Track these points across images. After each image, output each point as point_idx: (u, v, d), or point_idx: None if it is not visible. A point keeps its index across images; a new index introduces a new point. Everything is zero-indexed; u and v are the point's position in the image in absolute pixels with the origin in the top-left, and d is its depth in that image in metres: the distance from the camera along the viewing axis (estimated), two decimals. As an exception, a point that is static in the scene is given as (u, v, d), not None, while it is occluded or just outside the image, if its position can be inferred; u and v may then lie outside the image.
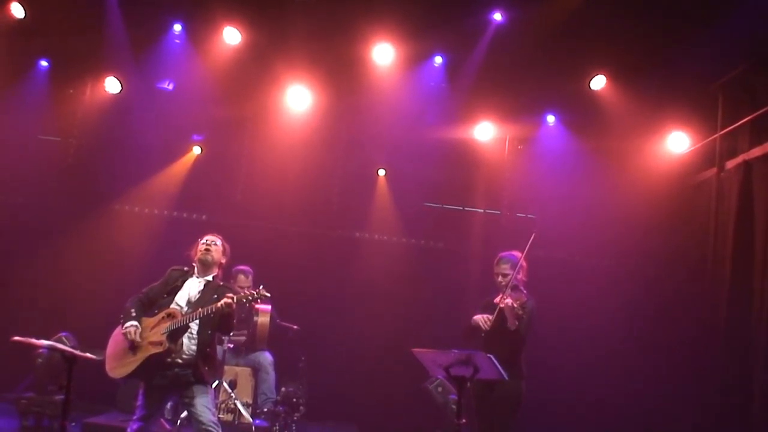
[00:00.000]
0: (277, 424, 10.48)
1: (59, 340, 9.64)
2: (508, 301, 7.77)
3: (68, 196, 12.61)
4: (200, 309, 7.19)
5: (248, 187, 13.19)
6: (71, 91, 12.91)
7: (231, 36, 11.72)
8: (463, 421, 7.09)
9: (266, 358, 10.84)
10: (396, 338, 11.45)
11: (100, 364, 7.43)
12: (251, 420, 10.24)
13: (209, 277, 7.63)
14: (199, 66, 12.16)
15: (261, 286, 7.27)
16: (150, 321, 7.34)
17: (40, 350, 9.94)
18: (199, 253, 7.66)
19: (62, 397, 6.56)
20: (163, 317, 7.30)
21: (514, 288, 7.96)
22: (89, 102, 12.87)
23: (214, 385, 8.41)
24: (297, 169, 12.98)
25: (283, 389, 10.94)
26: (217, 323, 7.33)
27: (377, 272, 12.88)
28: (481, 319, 7.86)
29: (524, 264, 8.19)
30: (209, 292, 7.47)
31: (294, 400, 10.83)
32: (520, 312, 7.75)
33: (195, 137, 13.14)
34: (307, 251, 12.83)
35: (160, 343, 7.14)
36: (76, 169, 12.90)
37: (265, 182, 12.99)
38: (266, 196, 12.88)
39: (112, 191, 12.86)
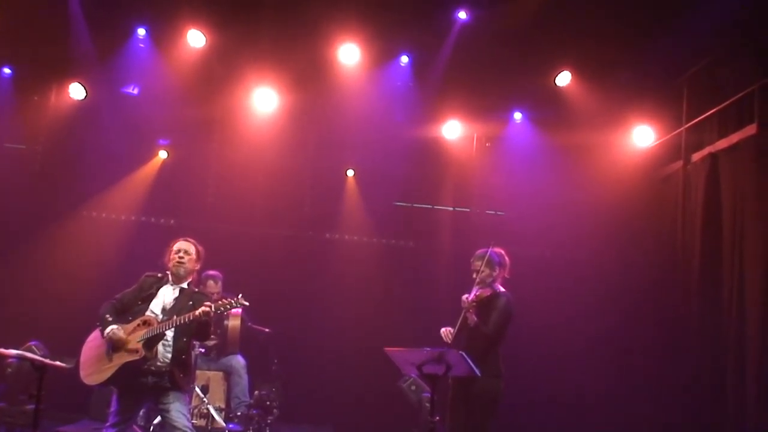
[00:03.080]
0: (251, 427, 10.45)
1: (29, 349, 9.60)
2: (465, 297, 7.75)
3: (35, 203, 12.52)
4: (176, 317, 7.15)
5: (217, 190, 13.17)
6: (36, 98, 12.84)
7: (195, 39, 11.67)
8: (437, 418, 7.10)
9: (239, 361, 10.79)
10: (368, 338, 11.44)
11: (72, 373, 7.38)
12: (224, 424, 10.19)
13: (184, 285, 7.58)
14: (165, 70, 12.10)
15: (240, 295, 7.21)
16: (126, 328, 7.25)
17: (10, 360, 9.90)
18: (172, 265, 7.59)
19: (33, 406, 6.52)
20: (138, 324, 7.23)
21: (482, 284, 7.93)
22: (54, 109, 12.79)
23: (187, 390, 8.34)
24: (266, 171, 12.97)
25: (256, 392, 10.90)
26: (193, 331, 7.32)
27: (348, 273, 12.88)
28: (444, 333, 7.78)
29: (506, 260, 8.15)
30: (184, 299, 7.41)
31: (268, 403, 10.79)
32: (467, 306, 7.67)
33: (161, 141, 13.08)
34: (277, 253, 12.80)
35: (136, 351, 7.09)
36: (42, 177, 12.84)
37: (234, 185, 12.97)
38: (235, 199, 12.85)
39: (80, 198, 12.80)
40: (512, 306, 7.88)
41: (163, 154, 13.11)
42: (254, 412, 10.57)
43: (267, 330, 11.21)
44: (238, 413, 10.54)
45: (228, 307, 7.17)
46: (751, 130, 9.49)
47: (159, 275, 7.65)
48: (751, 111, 9.56)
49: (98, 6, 11.42)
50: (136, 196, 12.94)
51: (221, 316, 10.70)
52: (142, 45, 12.00)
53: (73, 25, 11.49)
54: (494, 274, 7.98)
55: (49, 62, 12.19)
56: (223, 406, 10.59)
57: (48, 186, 12.71)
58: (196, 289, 7.67)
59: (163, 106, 12.46)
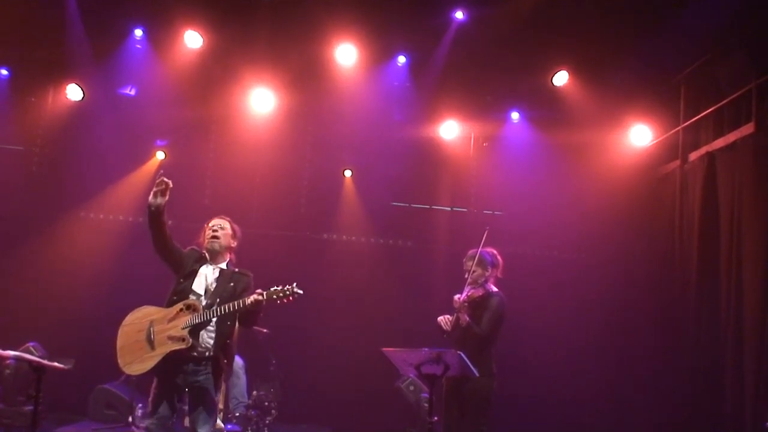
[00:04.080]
0: (249, 428, 10.46)
1: (27, 350, 9.62)
2: (457, 297, 7.74)
3: (33, 204, 12.52)
4: (224, 306, 6.81)
5: (215, 191, 13.14)
6: (33, 99, 12.83)
7: (192, 40, 11.66)
8: (435, 419, 7.09)
9: (237, 362, 10.79)
10: (366, 338, 11.43)
11: (69, 374, 7.36)
12: (223, 425, 10.19)
13: (223, 265, 7.23)
14: (162, 70, 12.10)
15: (294, 284, 6.83)
16: (168, 312, 6.93)
17: (8, 361, 9.89)
18: (206, 242, 7.26)
19: (31, 407, 6.52)
20: (181, 309, 6.88)
21: (474, 284, 7.92)
22: (51, 110, 12.78)
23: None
24: (263, 172, 12.98)
25: (254, 393, 10.92)
26: (240, 317, 7.00)
27: (346, 273, 12.87)
28: (443, 320, 7.78)
29: (499, 260, 8.13)
30: (224, 281, 7.08)
31: (266, 403, 10.80)
32: (459, 306, 7.68)
33: (159, 142, 13.07)
34: (275, 254, 12.75)
35: (182, 339, 6.74)
36: (39, 178, 12.84)
37: (231, 185, 12.94)
38: (233, 199, 12.80)
39: (77, 199, 12.76)
40: (505, 306, 7.85)
41: (160, 155, 13.08)
42: (253, 412, 10.58)
43: (265, 330, 11.21)
44: (237, 414, 10.55)
45: (281, 295, 6.77)
46: (748, 129, 9.50)
47: (202, 252, 7.28)
48: (749, 110, 9.57)
49: (95, 7, 11.42)
50: (134, 196, 12.87)
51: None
52: (139, 46, 12.02)
53: (70, 26, 11.49)
54: (486, 274, 7.95)
55: (47, 63, 12.20)
56: (221, 406, 10.58)
57: (45, 187, 12.70)
58: (236, 270, 7.29)
59: (161, 106, 12.46)
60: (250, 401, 10.74)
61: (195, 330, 6.81)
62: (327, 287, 12.69)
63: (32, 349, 10.25)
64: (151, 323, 6.93)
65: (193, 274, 7.11)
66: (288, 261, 12.77)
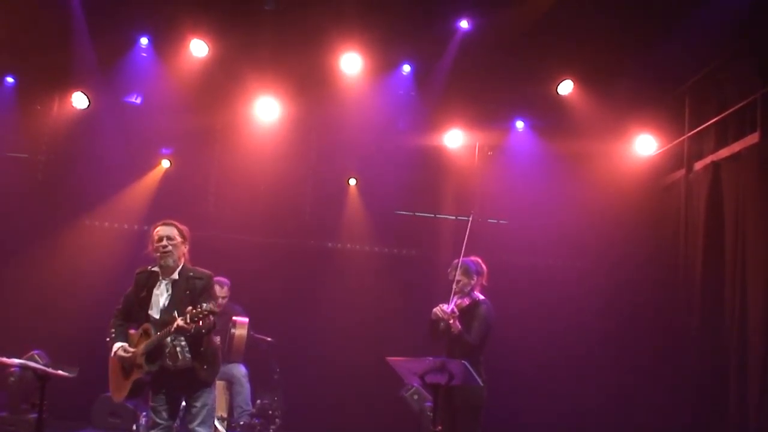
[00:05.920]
0: (253, 436, 10.45)
1: (31, 358, 9.65)
2: (445, 307, 7.74)
3: (38, 212, 12.52)
4: (162, 332, 6.81)
5: (219, 199, 13.16)
6: (38, 107, 12.87)
7: (198, 48, 11.68)
8: (439, 428, 7.08)
9: (240, 370, 10.79)
10: (370, 346, 11.42)
11: (73, 382, 7.36)
12: (227, 433, 10.19)
13: (175, 275, 7.12)
14: (167, 79, 12.12)
15: (203, 305, 6.66)
16: (132, 340, 7.11)
17: (12, 369, 9.90)
18: (158, 257, 7.10)
19: (35, 415, 6.52)
20: (141, 335, 7.04)
21: (460, 293, 7.94)
22: (57, 118, 12.81)
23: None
24: (268, 180, 12.98)
25: (258, 402, 10.90)
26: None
27: (350, 281, 12.87)
28: (439, 309, 7.77)
29: (483, 268, 8.16)
30: (179, 291, 7.03)
31: (270, 412, 10.79)
32: (447, 317, 7.68)
33: (164, 150, 13.09)
34: (279, 262, 12.79)
35: (140, 367, 6.91)
36: (45, 186, 12.87)
37: (236, 194, 12.96)
38: (237, 207, 12.86)
39: (82, 207, 12.79)
40: (492, 313, 7.91)
41: (165, 163, 13.10)
42: (256, 420, 10.56)
43: (269, 339, 11.21)
44: (241, 422, 10.53)
45: (201, 315, 6.61)
46: (753, 138, 9.47)
47: (150, 269, 7.19)
48: (754, 120, 9.52)
49: (101, 15, 11.42)
50: (139, 204, 12.92)
51: (227, 325, 10.66)
52: (144, 54, 12.03)
53: (76, 34, 11.50)
54: (472, 282, 8.00)
55: (52, 71, 12.21)
56: (225, 415, 10.57)
57: (50, 195, 12.72)
58: (191, 273, 7.14)
59: (166, 115, 12.48)
60: (254, 410, 10.73)
61: (150, 356, 6.91)
62: (331, 296, 12.70)
63: (37, 356, 10.27)
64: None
65: (147, 299, 7.09)
66: (292, 269, 12.82)
